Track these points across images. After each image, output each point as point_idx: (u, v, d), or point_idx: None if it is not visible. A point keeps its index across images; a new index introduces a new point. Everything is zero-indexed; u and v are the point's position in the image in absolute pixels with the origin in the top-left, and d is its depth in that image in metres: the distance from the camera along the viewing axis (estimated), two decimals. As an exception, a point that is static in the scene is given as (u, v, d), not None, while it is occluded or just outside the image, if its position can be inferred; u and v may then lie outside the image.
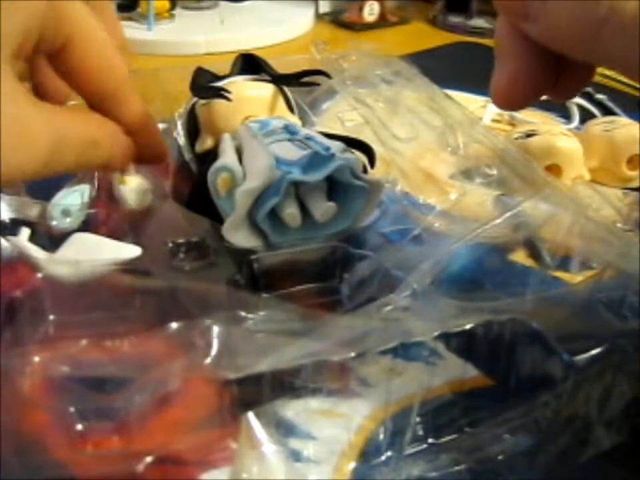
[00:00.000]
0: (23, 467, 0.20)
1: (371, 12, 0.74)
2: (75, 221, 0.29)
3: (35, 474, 0.20)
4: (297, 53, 0.54)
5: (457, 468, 0.23)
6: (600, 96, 0.52)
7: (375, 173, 0.31)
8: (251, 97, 0.33)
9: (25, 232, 0.28)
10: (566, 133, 0.37)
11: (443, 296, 0.24)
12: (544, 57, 0.22)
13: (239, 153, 0.29)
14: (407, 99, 0.38)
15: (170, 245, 0.28)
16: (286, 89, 0.35)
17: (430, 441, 0.23)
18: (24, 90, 0.22)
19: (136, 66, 0.36)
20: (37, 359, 0.19)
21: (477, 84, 0.50)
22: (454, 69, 0.59)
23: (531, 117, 0.47)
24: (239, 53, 0.36)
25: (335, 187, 0.29)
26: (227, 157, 0.29)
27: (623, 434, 0.23)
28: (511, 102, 0.23)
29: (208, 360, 0.20)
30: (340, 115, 0.38)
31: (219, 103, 0.32)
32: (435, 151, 0.35)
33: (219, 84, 0.33)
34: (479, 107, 0.49)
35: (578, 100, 0.50)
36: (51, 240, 0.28)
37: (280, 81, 0.34)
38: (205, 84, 0.34)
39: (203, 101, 0.33)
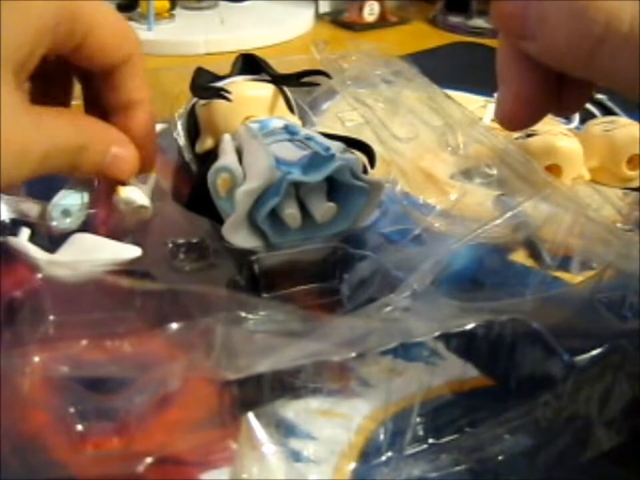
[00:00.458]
0: (23, 467, 0.20)
1: (371, 12, 0.74)
2: (75, 221, 0.29)
3: (35, 474, 0.20)
4: (297, 53, 0.54)
5: (457, 468, 0.23)
6: (600, 96, 0.51)
7: (375, 173, 0.31)
8: (251, 97, 0.33)
9: (25, 232, 0.28)
10: (566, 133, 0.37)
11: (443, 296, 0.24)
12: (546, 77, 0.22)
13: (239, 153, 0.29)
14: (407, 99, 0.38)
15: (170, 245, 0.28)
16: (286, 89, 0.35)
17: (430, 441, 0.23)
18: (21, 99, 0.22)
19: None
20: (36, 359, 0.19)
21: (477, 84, 0.50)
22: (454, 68, 0.59)
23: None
24: (239, 53, 0.36)
25: (335, 187, 0.29)
26: (227, 157, 0.29)
27: (622, 434, 0.23)
28: (517, 123, 0.24)
29: (208, 360, 0.20)
30: (340, 115, 0.38)
31: (219, 103, 0.32)
32: (435, 151, 0.35)
33: (219, 84, 0.33)
34: (478, 107, 0.49)
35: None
36: (51, 240, 0.28)
37: (280, 81, 0.34)
38: (205, 84, 0.34)
39: (203, 101, 0.33)
